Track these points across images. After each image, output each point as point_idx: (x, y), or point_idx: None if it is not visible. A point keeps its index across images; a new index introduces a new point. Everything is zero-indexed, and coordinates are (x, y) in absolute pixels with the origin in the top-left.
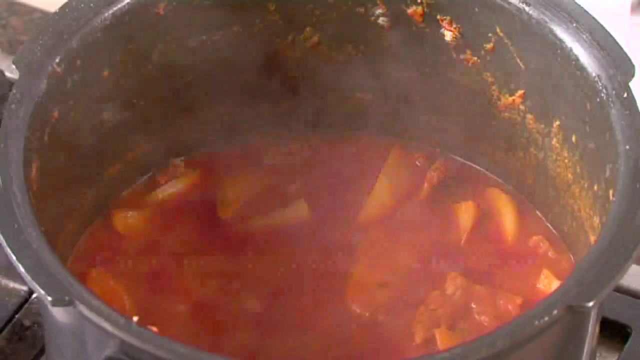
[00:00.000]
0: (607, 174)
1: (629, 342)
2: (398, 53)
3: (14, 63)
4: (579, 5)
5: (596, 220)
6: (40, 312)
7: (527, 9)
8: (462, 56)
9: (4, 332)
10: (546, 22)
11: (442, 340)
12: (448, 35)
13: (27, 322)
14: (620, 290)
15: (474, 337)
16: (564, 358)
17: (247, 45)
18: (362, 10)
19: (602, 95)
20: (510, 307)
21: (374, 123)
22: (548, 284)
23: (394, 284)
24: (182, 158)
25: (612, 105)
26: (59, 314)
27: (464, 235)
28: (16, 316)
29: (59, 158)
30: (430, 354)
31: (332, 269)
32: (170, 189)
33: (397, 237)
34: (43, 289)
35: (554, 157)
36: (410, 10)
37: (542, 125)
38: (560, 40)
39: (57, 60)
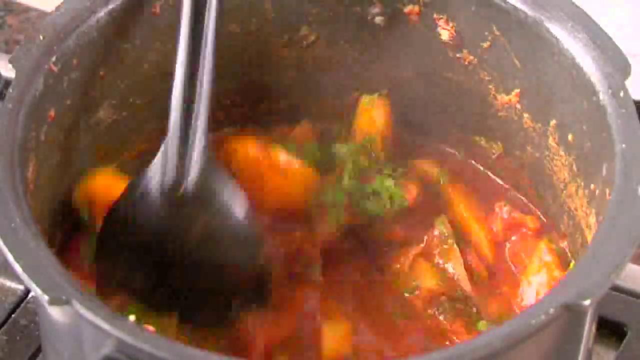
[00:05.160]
0: (604, 172)
1: (625, 341)
2: (394, 52)
3: (10, 62)
4: (575, 5)
5: (592, 219)
6: (37, 311)
7: (523, 8)
8: (458, 55)
9: (1, 331)
10: (542, 21)
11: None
12: (444, 34)
13: (23, 322)
14: (616, 289)
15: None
16: (561, 357)
17: (243, 45)
18: (358, 9)
19: (599, 94)
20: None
21: None
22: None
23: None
24: None
25: (608, 104)
26: (55, 313)
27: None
28: (13, 315)
29: (55, 157)
30: (428, 353)
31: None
32: None
33: (396, 235)
34: (40, 288)
35: (551, 156)
36: (406, 9)
37: (539, 124)
38: (557, 39)
39: (53, 59)
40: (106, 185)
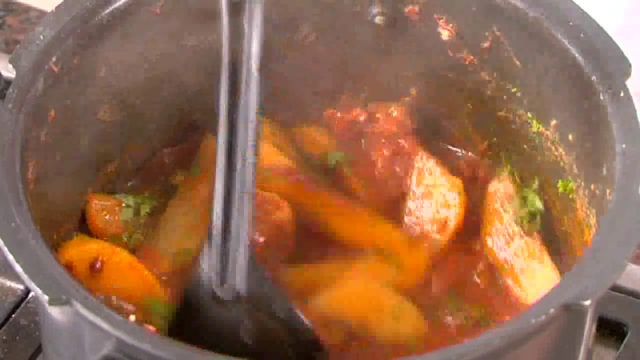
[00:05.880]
0: (604, 173)
1: (625, 341)
2: (394, 52)
3: (10, 62)
4: (576, 5)
5: (593, 219)
6: (37, 311)
7: (523, 7)
8: (458, 55)
9: (1, 332)
10: (543, 21)
11: None
12: (444, 34)
13: (23, 322)
14: (616, 289)
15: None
16: (561, 356)
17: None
18: (358, 8)
19: (599, 94)
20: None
21: None
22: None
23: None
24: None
25: (608, 104)
26: (56, 313)
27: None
28: (13, 315)
29: (55, 158)
30: (427, 352)
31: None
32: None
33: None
34: (40, 288)
35: (551, 156)
36: (406, 9)
37: (539, 125)
38: (557, 39)
39: (53, 59)
40: (82, 251)
